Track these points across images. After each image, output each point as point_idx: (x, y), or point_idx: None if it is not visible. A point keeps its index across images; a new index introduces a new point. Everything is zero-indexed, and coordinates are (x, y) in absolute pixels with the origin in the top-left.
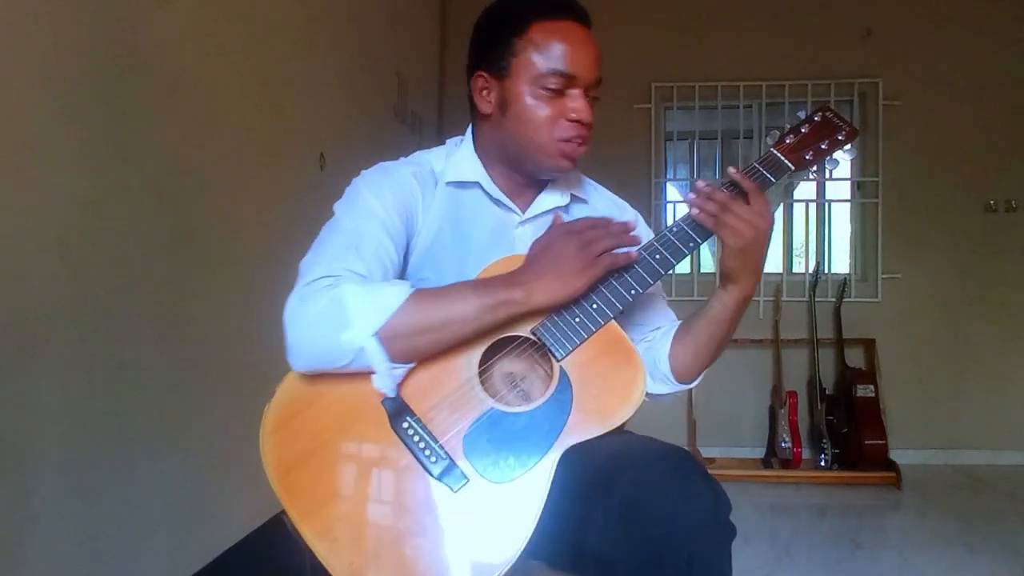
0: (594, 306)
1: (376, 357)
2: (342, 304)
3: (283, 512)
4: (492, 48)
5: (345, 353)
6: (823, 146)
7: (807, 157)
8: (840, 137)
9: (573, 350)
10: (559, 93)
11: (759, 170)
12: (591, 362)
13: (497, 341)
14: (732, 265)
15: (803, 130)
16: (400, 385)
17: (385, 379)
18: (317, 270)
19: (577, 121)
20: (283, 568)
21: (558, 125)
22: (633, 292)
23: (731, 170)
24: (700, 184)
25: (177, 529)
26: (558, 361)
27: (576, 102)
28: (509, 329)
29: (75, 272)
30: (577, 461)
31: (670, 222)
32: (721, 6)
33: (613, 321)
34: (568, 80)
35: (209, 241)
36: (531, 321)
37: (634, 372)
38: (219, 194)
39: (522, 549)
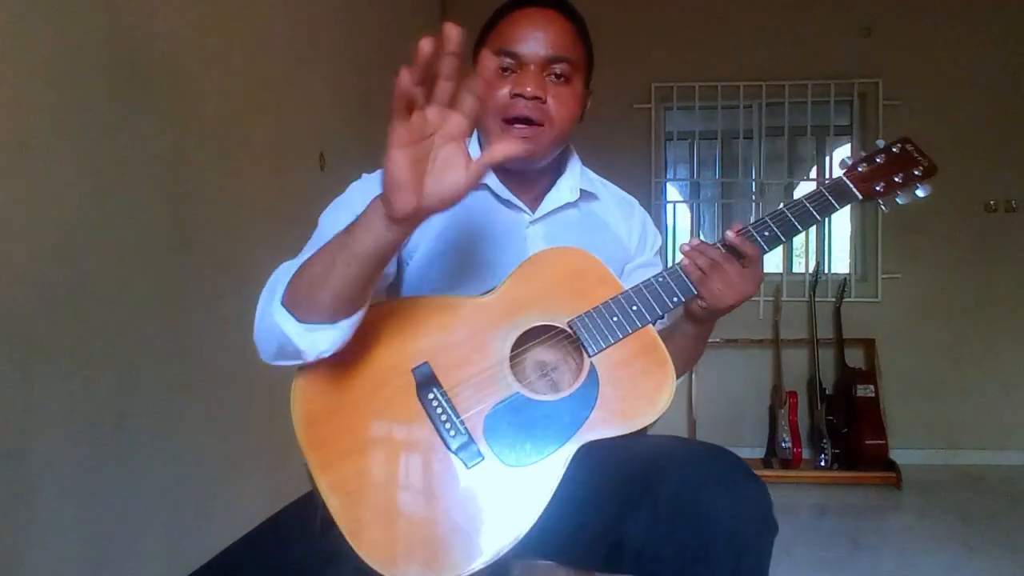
0: (634, 308)
1: (285, 322)
2: (269, 288)
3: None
4: (476, 43)
5: (273, 329)
6: (897, 179)
7: (877, 188)
8: (917, 172)
9: (606, 348)
10: (511, 74)
11: (825, 196)
12: (623, 363)
13: (533, 329)
14: (701, 315)
15: (878, 160)
16: (432, 356)
17: (304, 340)
18: (280, 266)
19: (519, 95)
20: (283, 568)
21: (503, 101)
22: (675, 300)
23: (729, 235)
24: (695, 241)
25: (177, 529)
26: (590, 357)
27: (522, 75)
28: (544, 319)
29: (75, 272)
30: (611, 459)
31: (670, 222)
32: (721, 6)
33: (651, 326)
34: (514, 56)
35: (209, 240)
36: (564, 313)
37: (663, 379)
38: (219, 193)
39: (523, 535)
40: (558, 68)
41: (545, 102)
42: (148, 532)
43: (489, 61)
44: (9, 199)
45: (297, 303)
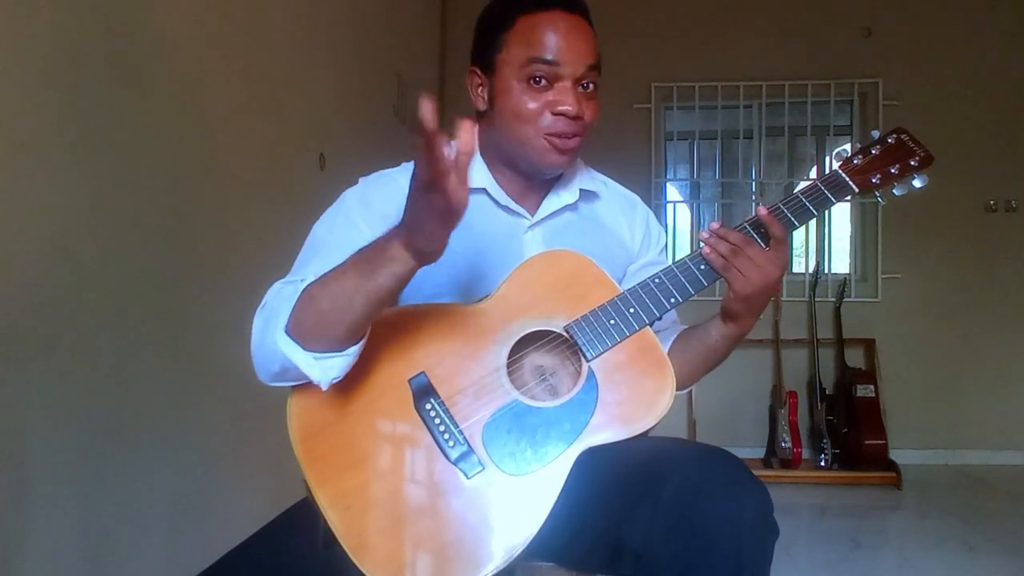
0: (631, 310)
1: (293, 352)
2: (268, 312)
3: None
4: (483, 44)
5: (275, 355)
6: (893, 170)
7: (874, 180)
8: (913, 163)
9: (604, 351)
10: (547, 86)
11: (821, 190)
12: (621, 366)
13: (530, 334)
14: (735, 308)
15: (874, 151)
16: (428, 367)
17: (314, 369)
18: (274, 284)
19: (562, 114)
20: (284, 569)
21: (543, 118)
22: (672, 300)
23: (761, 210)
24: (714, 225)
25: (177, 529)
26: (588, 361)
27: (562, 94)
28: (540, 324)
29: (75, 272)
30: (612, 461)
31: (670, 222)
32: (721, 6)
33: (648, 328)
34: (552, 68)
35: (209, 240)
36: (560, 318)
37: (662, 382)
38: (219, 193)
39: (527, 544)
40: (589, 79)
41: (583, 118)
42: (148, 532)
43: (523, 71)
44: (9, 199)
45: (305, 334)
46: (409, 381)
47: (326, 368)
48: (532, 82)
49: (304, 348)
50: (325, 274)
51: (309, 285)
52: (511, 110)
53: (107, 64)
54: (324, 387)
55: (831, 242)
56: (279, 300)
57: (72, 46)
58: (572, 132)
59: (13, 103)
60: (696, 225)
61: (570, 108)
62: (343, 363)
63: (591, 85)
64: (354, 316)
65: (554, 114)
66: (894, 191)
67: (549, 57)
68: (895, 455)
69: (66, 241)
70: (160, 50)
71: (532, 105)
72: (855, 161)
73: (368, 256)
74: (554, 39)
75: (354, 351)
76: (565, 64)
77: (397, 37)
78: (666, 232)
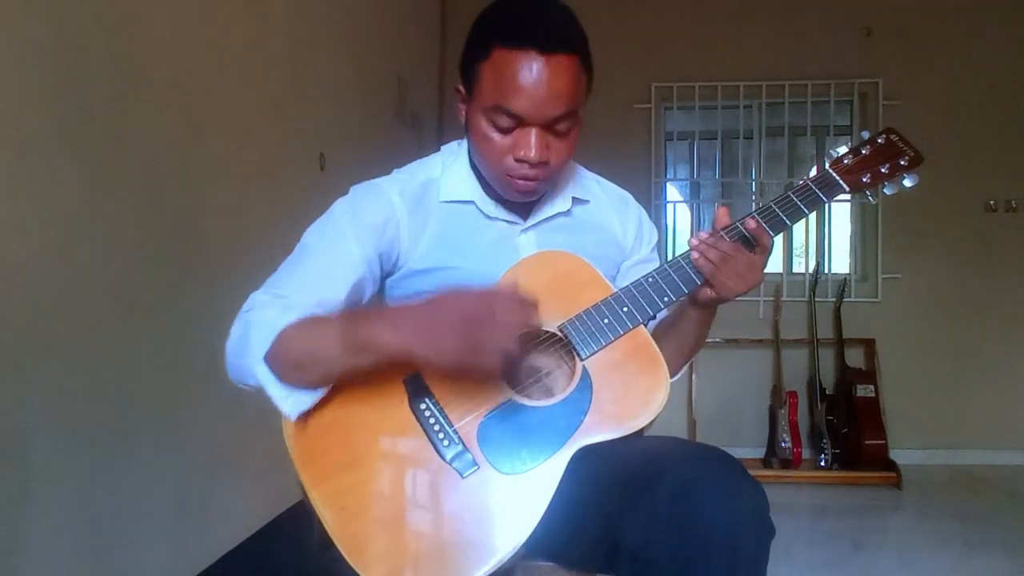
0: (624, 309)
1: (268, 381)
2: (248, 329)
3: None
4: (465, 65)
5: (250, 375)
6: (883, 170)
7: (864, 179)
8: (903, 162)
9: (598, 350)
10: (512, 127)
11: (812, 189)
12: (615, 365)
13: (525, 334)
14: (709, 303)
15: (864, 151)
16: (423, 365)
17: (286, 403)
18: (255, 292)
19: (524, 160)
20: (282, 570)
21: (506, 159)
22: (666, 299)
23: (750, 223)
24: (703, 235)
25: (177, 529)
26: (582, 360)
27: (525, 139)
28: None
29: (75, 272)
30: (608, 461)
31: (670, 222)
32: (721, 6)
33: (642, 326)
34: (515, 119)
35: (209, 240)
36: (554, 318)
37: (656, 379)
38: (219, 194)
39: (522, 543)
40: (561, 126)
41: (548, 162)
42: (148, 532)
43: (488, 113)
44: (9, 199)
45: (283, 373)
46: (404, 381)
47: (297, 402)
48: (496, 123)
49: (279, 381)
50: (309, 332)
51: (289, 332)
52: (478, 145)
53: (107, 64)
54: (292, 419)
55: (831, 242)
56: (260, 323)
57: (72, 46)
58: (534, 176)
59: (13, 103)
60: (696, 225)
61: (531, 157)
62: (314, 398)
63: (564, 125)
64: (334, 376)
65: (516, 160)
66: (885, 190)
67: (512, 109)
68: (895, 455)
69: (66, 241)
70: (160, 50)
71: (495, 145)
72: (845, 161)
73: (360, 342)
74: (520, 88)
75: (325, 389)
76: (528, 112)
77: (397, 38)
78: (665, 232)
